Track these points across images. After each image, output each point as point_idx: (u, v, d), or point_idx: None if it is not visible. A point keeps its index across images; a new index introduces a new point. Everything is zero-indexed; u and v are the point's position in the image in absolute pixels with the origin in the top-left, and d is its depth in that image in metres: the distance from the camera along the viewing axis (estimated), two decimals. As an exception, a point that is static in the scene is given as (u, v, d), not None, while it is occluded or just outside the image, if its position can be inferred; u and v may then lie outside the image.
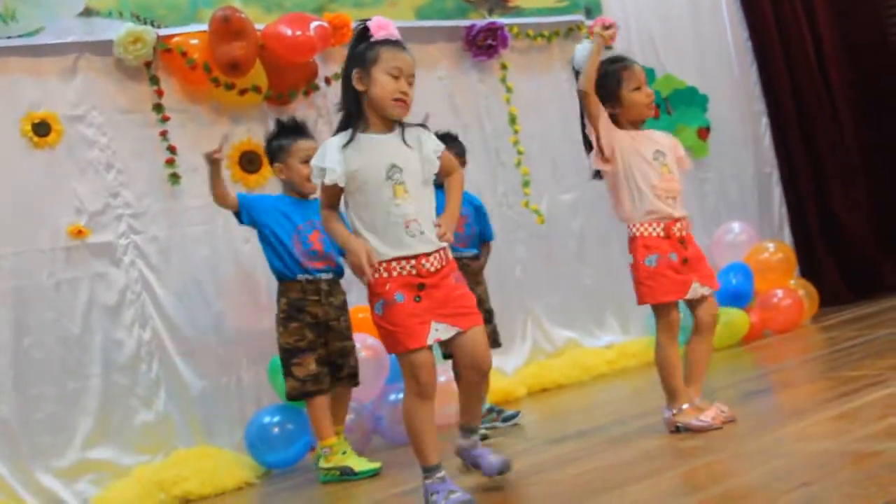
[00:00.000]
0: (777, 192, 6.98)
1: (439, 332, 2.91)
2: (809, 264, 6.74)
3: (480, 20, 5.71)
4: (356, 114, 2.97)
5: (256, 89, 4.80)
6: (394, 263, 2.90)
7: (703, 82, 6.52)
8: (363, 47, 2.96)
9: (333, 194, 2.99)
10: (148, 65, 4.64)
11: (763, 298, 5.83)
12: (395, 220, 2.89)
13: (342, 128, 3.00)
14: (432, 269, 2.92)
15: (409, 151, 2.97)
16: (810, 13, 7.02)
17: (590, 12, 6.19)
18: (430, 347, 2.92)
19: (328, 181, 2.91)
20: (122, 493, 4.16)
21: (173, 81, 4.72)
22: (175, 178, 4.67)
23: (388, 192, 2.90)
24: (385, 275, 2.89)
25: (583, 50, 3.56)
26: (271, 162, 4.19)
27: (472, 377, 3.04)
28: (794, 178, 6.97)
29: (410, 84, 2.95)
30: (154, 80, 4.66)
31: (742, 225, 6.17)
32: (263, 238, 4.09)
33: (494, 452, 3.06)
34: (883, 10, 7.18)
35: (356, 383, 4.16)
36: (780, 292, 5.84)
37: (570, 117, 6.04)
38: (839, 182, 6.93)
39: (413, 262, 2.90)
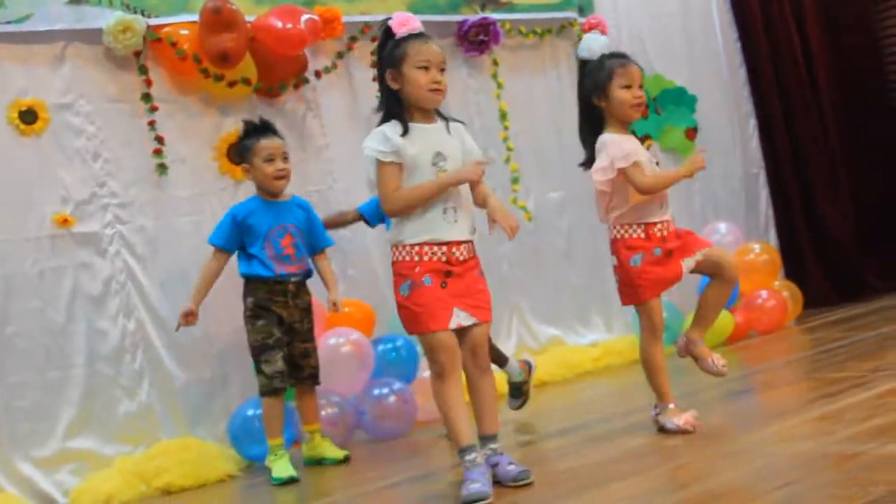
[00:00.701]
0: (764, 193, 6.99)
1: (460, 318, 2.99)
2: (794, 266, 6.75)
3: (473, 15, 5.70)
4: (397, 111, 3.05)
5: (246, 81, 4.78)
6: (426, 248, 2.99)
7: (692, 83, 6.53)
8: (390, 46, 3.06)
9: (399, 174, 3.01)
10: (137, 54, 4.61)
11: (748, 299, 5.84)
12: (435, 205, 2.99)
13: (384, 122, 3.07)
14: (461, 258, 3.02)
15: (452, 141, 3.09)
16: (799, 15, 7.04)
17: (582, 10, 6.19)
18: (452, 330, 2.99)
19: (404, 158, 2.98)
20: (103, 484, 4.13)
21: (162, 72, 4.69)
22: (162, 168, 4.64)
23: (431, 178, 3.00)
24: (417, 258, 2.98)
25: (589, 41, 3.57)
26: (239, 163, 4.24)
27: (471, 369, 3.08)
28: (781, 179, 6.98)
29: (442, 71, 3.05)
30: (143, 70, 4.63)
31: (728, 226, 6.18)
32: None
33: (513, 462, 3.04)
34: (871, 13, 7.21)
35: (317, 383, 4.19)
36: (764, 293, 5.86)
37: (560, 115, 6.09)
38: (825, 184, 6.95)
39: (444, 248, 3.00)
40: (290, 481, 3.86)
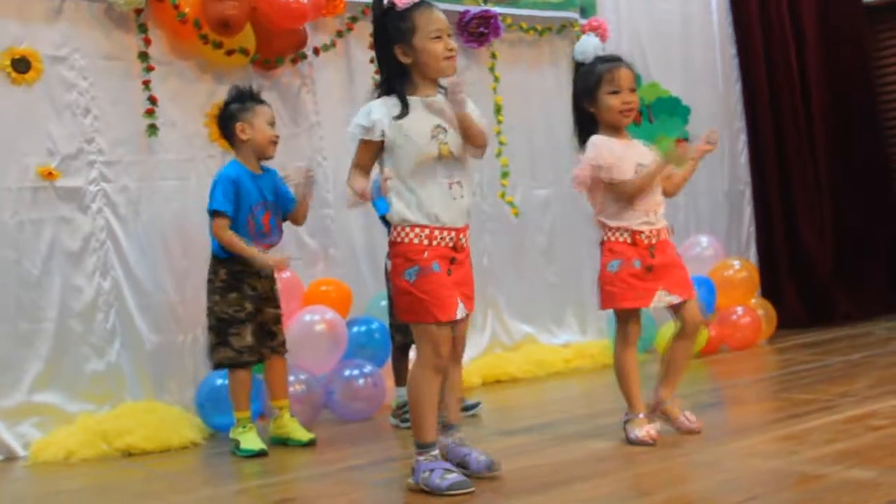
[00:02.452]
0: (748, 210, 7.04)
1: (461, 310, 2.92)
2: (771, 285, 6.79)
3: (475, 7, 5.69)
4: (401, 86, 2.95)
5: (244, 51, 4.76)
6: (436, 231, 2.90)
7: (687, 93, 6.53)
8: (395, 20, 2.93)
9: (372, 154, 2.96)
10: (138, 13, 4.58)
11: (723, 314, 5.88)
12: (440, 181, 2.91)
13: (383, 94, 2.98)
14: (465, 245, 2.97)
15: (452, 113, 2.95)
16: (799, 36, 7.08)
17: (584, 11, 6.19)
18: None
19: (374, 137, 2.91)
20: (64, 440, 4.12)
21: (161, 33, 4.66)
22: (153, 129, 4.62)
23: (432, 150, 2.91)
24: (426, 242, 2.89)
25: (583, 44, 3.55)
26: (228, 125, 4.05)
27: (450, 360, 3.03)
28: (766, 198, 7.04)
29: (450, 36, 2.97)
30: (142, 29, 4.60)
31: (710, 239, 6.20)
32: None
33: (482, 452, 3.03)
34: (867, 43, 7.25)
35: (286, 350, 4.12)
36: (740, 310, 5.89)
37: (553, 114, 6.09)
38: (808, 207, 7.00)
39: (453, 234, 2.93)
40: (261, 454, 3.83)
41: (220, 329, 3.97)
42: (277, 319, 4.11)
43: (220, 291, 3.99)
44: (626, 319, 3.46)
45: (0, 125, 4.29)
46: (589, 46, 3.56)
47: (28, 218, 4.32)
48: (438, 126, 2.93)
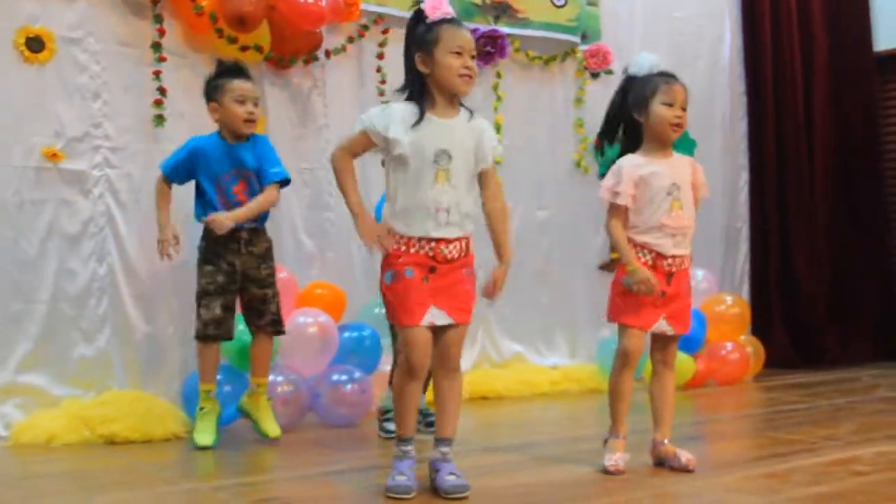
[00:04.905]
0: (744, 247, 7.06)
1: (434, 317, 2.98)
2: (761, 323, 6.80)
3: (484, 26, 5.71)
4: (420, 94, 3.02)
5: (258, 48, 4.78)
6: (413, 241, 2.98)
7: (692, 126, 6.54)
8: (422, 30, 3.01)
9: (364, 145, 3.05)
10: (155, 2, 4.59)
11: (712, 348, 5.88)
12: (427, 204, 2.96)
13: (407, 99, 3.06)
14: (449, 256, 3.00)
15: (467, 140, 3.03)
16: (808, 81, 7.12)
17: (585, 37, 6.20)
18: (426, 327, 2.99)
19: (392, 144, 2.97)
20: (47, 423, 4.11)
21: (176, 24, 4.68)
22: (160, 119, 4.62)
23: (430, 174, 2.96)
24: (403, 248, 2.98)
25: (640, 59, 3.51)
26: (207, 102, 4.12)
27: (438, 368, 3.09)
28: (764, 236, 7.05)
29: (473, 58, 3.01)
30: (158, 19, 4.61)
31: (705, 273, 6.21)
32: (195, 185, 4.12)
33: (454, 472, 3.01)
34: (875, 91, 7.30)
35: (279, 331, 4.13)
36: (729, 345, 5.90)
37: (556, 136, 6.12)
38: (804, 249, 7.02)
39: (433, 244, 2.97)
40: (202, 448, 3.88)
41: (197, 300, 4.05)
42: (264, 299, 4.09)
43: (200, 264, 4.07)
44: (628, 337, 3.38)
45: (9, 103, 4.29)
46: (645, 61, 3.50)
47: (29, 198, 4.32)
48: (443, 151, 2.97)
